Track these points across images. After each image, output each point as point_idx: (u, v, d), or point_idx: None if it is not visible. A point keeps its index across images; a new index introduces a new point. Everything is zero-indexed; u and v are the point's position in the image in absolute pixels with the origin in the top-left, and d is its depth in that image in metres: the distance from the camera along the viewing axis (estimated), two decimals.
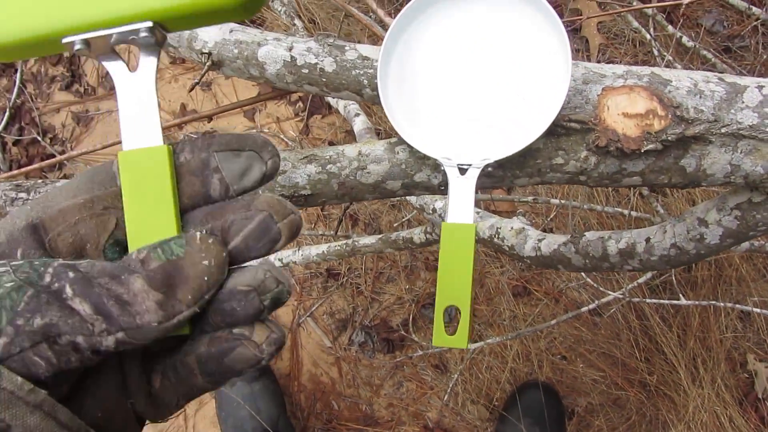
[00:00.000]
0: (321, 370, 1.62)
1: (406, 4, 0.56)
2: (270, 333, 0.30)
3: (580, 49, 1.58)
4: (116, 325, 0.27)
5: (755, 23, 1.48)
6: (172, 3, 0.30)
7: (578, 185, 0.85)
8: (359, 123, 1.12)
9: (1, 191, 0.59)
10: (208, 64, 0.66)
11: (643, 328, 1.45)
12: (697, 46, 1.39)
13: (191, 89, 0.70)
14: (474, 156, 0.53)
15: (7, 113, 1.82)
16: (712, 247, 0.64)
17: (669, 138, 0.51)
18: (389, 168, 0.56)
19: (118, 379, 0.31)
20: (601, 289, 1.28)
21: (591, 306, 1.31)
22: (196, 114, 0.75)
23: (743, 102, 0.51)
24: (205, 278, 0.28)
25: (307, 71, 0.61)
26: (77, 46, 0.31)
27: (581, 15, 1.55)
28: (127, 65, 0.32)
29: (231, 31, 0.64)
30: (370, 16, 1.01)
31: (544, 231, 0.93)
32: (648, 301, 1.33)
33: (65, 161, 1.75)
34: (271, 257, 1.21)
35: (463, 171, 0.52)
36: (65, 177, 1.76)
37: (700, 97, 0.52)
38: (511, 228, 0.88)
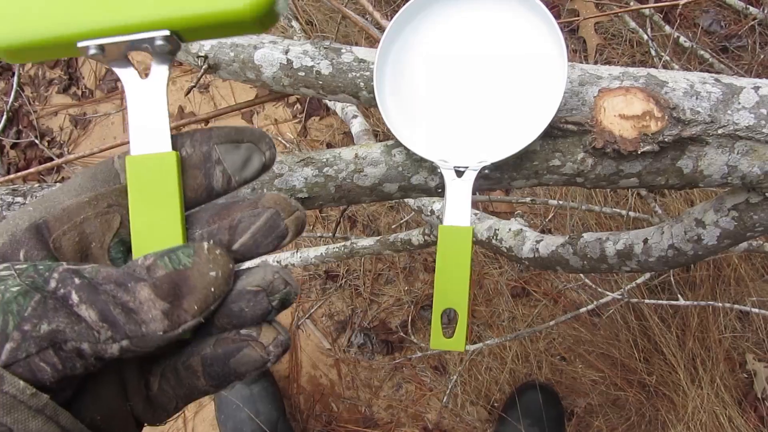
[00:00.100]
0: (320, 372, 1.62)
1: (402, 6, 0.56)
2: (277, 335, 0.30)
3: (578, 50, 1.58)
4: (121, 332, 0.27)
5: (752, 23, 1.48)
6: (190, 13, 0.30)
7: (575, 187, 0.85)
8: (357, 125, 1.12)
9: None
10: (204, 67, 0.65)
11: (642, 329, 1.45)
12: (695, 46, 1.39)
13: (188, 92, 0.69)
14: (471, 158, 0.52)
15: (4, 116, 1.81)
16: (709, 248, 0.64)
17: (666, 139, 0.51)
18: (386, 171, 0.56)
19: (118, 382, 0.31)
20: (599, 289, 1.28)
21: (590, 307, 1.31)
22: (194, 117, 0.75)
23: (740, 103, 0.51)
24: (212, 289, 0.28)
25: (303, 74, 0.61)
26: (92, 51, 0.31)
27: (578, 15, 1.55)
28: (139, 72, 0.32)
29: None
30: (367, 19, 1.01)
31: (542, 232, 0.93)
32: (647, 301, 1.33)
33: (63, 164, 1.75)
34: (269, 259, 1.21)
35: (459, 173, 0.52)
36: (63, 180, 1.76)
37: (697, 98, 0.52)
38: (509, 229, 0.88)
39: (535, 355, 1.53)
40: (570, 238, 0.78)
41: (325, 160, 0.56)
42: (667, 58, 1.32)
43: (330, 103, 1.39)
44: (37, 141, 1.80)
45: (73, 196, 0.31)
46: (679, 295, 1.24)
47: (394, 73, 0.56)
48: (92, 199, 0.31)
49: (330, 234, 1.38)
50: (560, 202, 1.39)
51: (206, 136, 0.32)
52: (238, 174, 0.32)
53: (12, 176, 0.91)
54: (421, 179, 0.56)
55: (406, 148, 0.54)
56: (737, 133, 0.51)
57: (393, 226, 1.61)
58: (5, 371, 0.26)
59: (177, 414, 0.33)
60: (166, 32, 0.30)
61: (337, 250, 1.19)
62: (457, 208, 0.52)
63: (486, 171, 0.54)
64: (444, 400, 1.53)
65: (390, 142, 0.57)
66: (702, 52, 1.41)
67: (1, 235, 0.30)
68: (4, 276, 0.27)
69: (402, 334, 1.58)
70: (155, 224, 0.31)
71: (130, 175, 0.31)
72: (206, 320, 0.29)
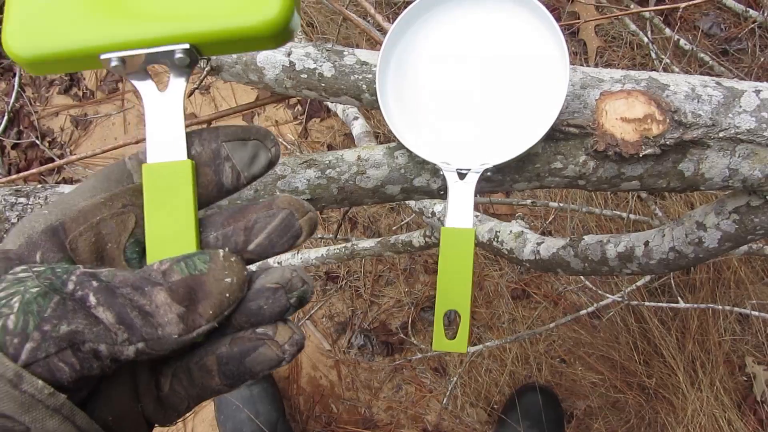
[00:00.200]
0: (320, 373, 1.62)
1: (404, 9, 0.56)
2: (292, 334, 0.31)
3: (578, 52, 1.58)
4: (137, 335, 0.28)
5: (752, 26, 1.49)
6: (210, 28, 0.31)
7: (576, 189, 0.85)
8: (358, 126, 1.12)
9: (1, 196, 0.59)
10: (206, 69, 0.66)
11: (642, 331, 1.45)
12: (695, 48, 1.39)
13: (190, 94, 0.70)
14: (473, 161, 0.53)
15: (5, 117, 1.82)
16: (710, 251, 0.64)
17: (667, 142, 0.51)
18: (388, 173, 0.56)
19: (130, 384, 0.32)
20: (600, 292, 1.28)
21: (590, 309, 1.31)
22: (196, 118, 0.75)
23: (741, 106, 0.52)
24: (227, 295, 0.29)
25: (305, 76, 0.61)
26: (113, 63, 0.32)
27: (579, 18, 1.55)
28: (157, 85, 0.33)
29: None
30: (368, 21, 1.02)
31: (543, 234, 0.93)
32: (647, 304, 1.33)
33: (64, 165, 1.75)
34: (270, 261, 1.21)
35: (462, 176, 0.53)
36: (64, 181, 1.76)
37: (698, 101, 0.52)
38: (510, 231, 0.88)
39: (535, 357, 1.53)
40: (571, 241, 0.78)
41: (327, 161, 0.57)
42: (668, 60, 1.32)
43: (331, 105, 1.39)
44: (38, 141, 1.80)
45: (87, 198, 0.31)
46: (679, 298, 1.25)
47: (396, 76, 0.57)
48: (107, 200, 0.31)
49: (331, 235, 1.38)
50: (561, 205, 1.39)
51: (214, 134, 0.32)
52: (246, 170, 0.32)
53: (13, 177, 0.91)
54: (423, 181, 0.56)
55: (408, 150, 0.55)
56: (738, 136, 0.51)
57: (393, 228, 1.62)
58: (24, 371, 0.26)
59: (187, 414, 0.33)
60: (186, 46, 0.31)
61: (337, 251, 1.20)
62: (459, 210, 0.52)
63: (488, 173, 0.54)
64: (444, 402, 1.53)
65: (392, 145, 0.57)
66: (702, 55, 1.41)
67: (18, 237, 0.31)
68: (23, 278, 0.28)
69: (402, 335, 1.58)
70: (170, 230, 0.31)
71: (146, 182, 0.32)
72: (220, 325, 0.29)
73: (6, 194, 0.60)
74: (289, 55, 0.62)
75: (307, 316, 1.64)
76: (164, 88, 0.33)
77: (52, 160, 1.76)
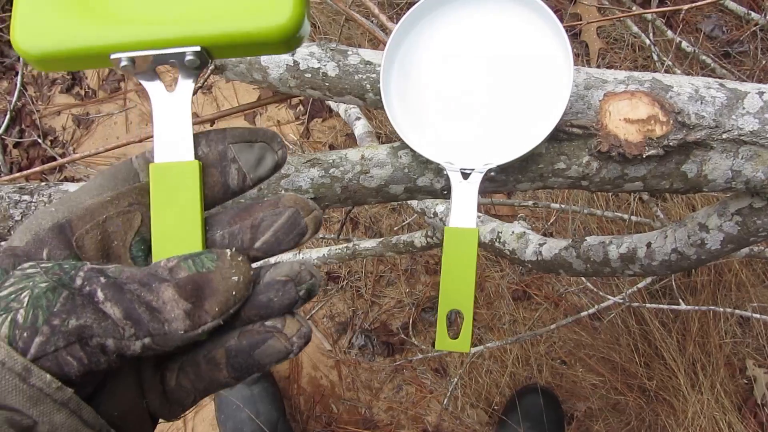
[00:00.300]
0: (321, 373, 1.62)
1: (408, 9, 0.56)
2: (300, 326, 0.31)
3: (580, 54, 1.58)
4: (144, 330, 0.28)
5: (754, 28, 1.49)
6: (222, 32, 0.31)
7: (579, 190, 0.85)
8: (360, 126, 1.12)
9: (5, 194, 0.59)
10: (211, 67, 0.66)
11: (643, 333, 1.45)
12: (697, 51, 1.39)
13: (194, 93, 0.70)
14: (477, 160, 0.53)
15: (8, 116, 1.82)
16: (713, 253, 0.64)
17: (670, 143, 0.51)
18: (392, 172, 0.56)
19: (135, 380, 0.32)
20: (601, 293, 1.29)
21: (591, 311, 1.31)
22: (198, 118, 0.75)
23: (744, 108, 0.52)
24: (233, 293, 0.29)
25: (309, 76, 0.61)
26: (123, 63, 0.32)
27: (581, 20, 1.55)
28: (165, 86, 0.33)
29: None
30: (372, 21, 1.02)
31: (544, 235, 0.93)
32: (648, 306, 1.33)
33: (66, 164, 1.75)
34: (271, 261, 1.21)
35: (465, 175, 0.53)
36: (66, 180, 1.76)
37: (702, 102, 0.52)
38: (512, 232, 0.88)
39: (535, 358, 1.53)
40: (573, 242, 0.78)
41: (331, 161, 0.57)
42: (669, 62, 1.32)
43: (333, 105, 1.39)
44: (39, 140, 1.80)
45: (94, 196, 0.32)
46: (680, 300, 1.25)
47: (400, 75, 0.57)
48: (113, 198, 0.32)
49: (332, 235, 1.38)
50: (562, 206, 1.39)
51: (221, 135, 0.33)
52: (252, 172, 0.33)
53: (15, 175, 0.91)
54: (426, 181, 0.56)
55: (412, 150, 0.55)
56: (741, 137, 0.51)
57: (395, 228, 1.62)
58: (32, 364, 0.26)
59: (191, 409, 0.34)
60: (197, 48, 0.31)
61: (339, 251, 1.20)
62: (462, 210, 0.52)
63: (492, 173, 0.54)
64: (444, 403, 1.53)
65: (396, 144, 0.57)
66: (704, 57, 1.41)
67: (25, 234, 0.31)
68: (32, 273, 0.28)
69: (403, 336, 1.58)
70: (176, 229, 0.32)
71: (153, 182, 0.32)
72: (225, 322, 0.30)
73: (10, 192, 0.60)
74: (293, 54, 0.62)
75: (308, 316, 1.64)
76: (172, 89, 0.33)
77: (54, 159, 1.76)
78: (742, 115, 0.52)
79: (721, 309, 1.29)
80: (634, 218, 1.28)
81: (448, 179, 0.53)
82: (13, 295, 0.27)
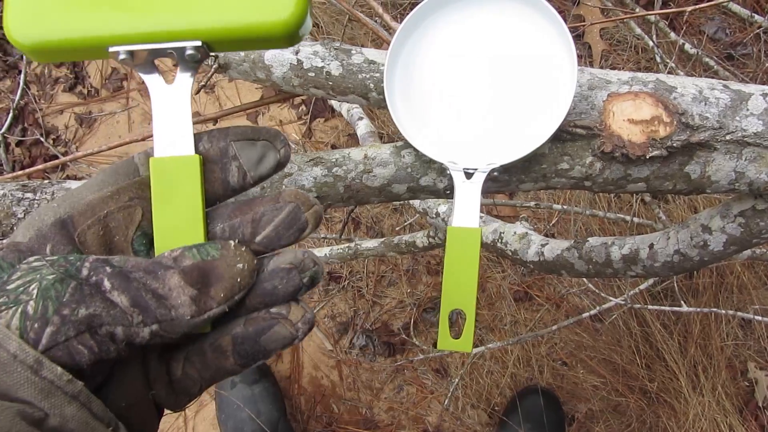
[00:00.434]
0: (321, 373, 1.62)
1: (412, 9, 0.56)
2: (305, 313, 0.31)
3: (583, 55, 1.58)
4: (152, 317, 0.28)
5: (757, 31, 1.49)
6: (222, 27, 0.31)
7: (581, 191, 0.85)
8: (362, 126, 1.12)
9: (8, 191, 0.59)
10: (214, 66, 0.66)
11: (645, 335, 1.45)
12: (700, 53, 1.39)
13: (197, 91, 0.70)
14: (480, 160, 0.53)
15: (10, 114, 1.82)
16: (715, 254, 0.64)
17: (674, 144, 0.51)
18: (395, 171, 0.56)
19: (142, 370, 0.32)
20: (602, 295, 1.28)
21: (592, 312, 1.31)
22: (200, 117, 0.75)
23: (748, 109, 0.52)
24: (238, 279, 0.30)
25: (313, 75, 0.61)
26: (122, 56, 0.32)
27: (584, 21, 1.55)
28: (164, 78, 0.33)
29: None
30: (376, 21, 1.02)
31: (546, 236, 0.93)
32: (649, 307, 1.33)
33: (68, 162, 1.76)
34: None
35: (469, 175, 0.53)
36: (68, 178, 1.77)
37: (705, 104, 0.52)
38: (515, 233, 0.88)
39: (536, 359, 1.53)
40: (575, 242, 0.78)
41: (334, 160, 0.57)
42: (673, 64, 1.32)
43: (335, 105, 1.39)
44: (42, 139, 1.80)
45: (95, 192, 0.32)
46: (682, 302, 1.24)
47: (404, 75, 0.57)
48: (114, 193, 0.32)
49: (334, 235, 1.38)
50: (564, 207, 1.39)
51: (223, 133, 0.33)
52: (253, 170, 0.33)
53: (17, 173, 0.91)
54: (429, 180, 0.56)
55: (415, 149, 0.55)
56: (745, 139, 0.51)
57: (397, 229, 1.62)
58: (44, 357, 0.27)
59: (196, 398, 0.34)
60: (198, 43, 0.31)
61: (341, 251, 1.20)
62: (465, 210, 0.52)
63: (495, 173, 0.54)
64: (445, 403, 1.53)
65: (399, 143, 0.57)
66: (707, 60, 1.41)
67: (28, 230, 0.31)
68: (38, 266, 0.29)
69: (404, 336, 1.58)
70: (177, 223, 0.32)
71: (153, 176, 0.32)
72: (230, 310, 0.30)
73: (13, 189, 0.60)
74: (297, 53, 0.62)
75: None
76: (171, 82, 0.33)
77: (56, 158, 1.76)
78: (746, 117, 0.52)
79: (723, 311, 1.28)
80: (636, 220, 1.28)
81: (451, 179, 0.53)
82: (21, 288, 0.28)
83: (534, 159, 0.54)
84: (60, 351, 0.27)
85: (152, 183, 0.32)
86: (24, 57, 1.81)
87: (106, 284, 0.28)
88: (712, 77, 1.39)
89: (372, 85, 0.60)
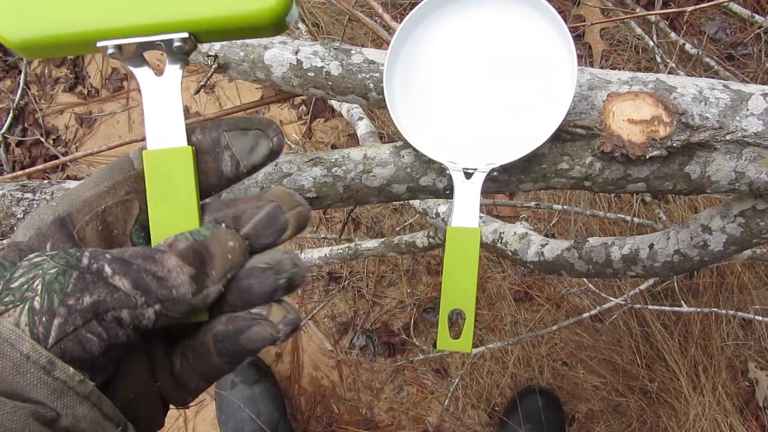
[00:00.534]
0: (322, 374, 1.62)
1: (411, 9, 0.56)
2: (286, 314, 0.31)
3: (583, 55, 1.58)
4: (154, 297, 0.29)
5: (758, 31, 1.49)
6: (209, 17, 0.31)
7: (581, 191, 0.85)
8: (362, 126, 1.12)
9: (7, 191, 0.59)
10: (214, 66, 0.66)
11: (645, 335, 1.45)
12: (700, 53, 1.39)
13: (197, 91, 0.70)
14: (479, 160, 0.53)
15: (10, 114, 1.82)
16: (715, 254, 0.64)
17: (674, 144, 0.51)
18: (395, 171, 0.56)
19: (147, 364, 0.33)
20: (602, 295, 1.28)
21: (592, 312, 1.31)
22: (200, 117, 0.75)
23: (748, 109, 0.52)
24: (229, 256, 0.30)
25: (313, 74, 0.61)
26: (110, 51, 0.32)
27: (584, 21, 1.55)
28: (153, 71, 0.33)
29: None
30: (375, 20, 1.02)
31: (546, 236, 0.93)
32: (650, 307, 1.33)
33: (68, 162, 1.76)
34: None
35: (468, 175, 0.53)
36: (68, 178, 1.77)
37: (705, 104, 0.52)
38: (515, 233, 0.88)
39: (536, 359, 1.53)
40: (575, 243, 0.78)
41: (333, 160, 0.57)
42: (673, 65, 1.32)
43: (335, 105, 1.39)
44: (42, 139, 1.80)
45: (93, 188, 0.32)
46: (682, 302, 1.24)
47: (403, 75, 0.57)
48: (110, 188, 0.32)
49: (333, 235, 1.38)
50: (564, 207, 1.39)
51: (215, 124, 0.33)
52: (246, 159, 0.33)
53: (17, 173, 0.91)
54: (429, 180, 0.56)
55: (415, 149, 0.55)
56: (745, 139, 0.51)
57: (397, 229, 1.62)
58: (56, 358, 0.27)
59: (199, 394, 0.34)
60: (185, 34, 0.31)
61: (341, 251, 1.20)
62: (465, 210, 0.52)
63: (494, 173, 0.54)
64: (445, 403, 1.53)
65: (399, 143, 0.57)
66: (707, 60, 1.41)
67: (28, 230, 0.32)
68: (39, 261, 0.29)
69: (404, 336, 1.58)
70: (173, 214, 0.32)
71: (147, 169, 0.32)
72: (225, 289, 0.31)
73: (12, 189, 0.60)
74: (296, 53, 0.62)
75: (309, 316, 1.64)
76: (161, 74, 0.33)
77: (56, 158, 1.76)
78: (746, 117, 0.51)
79: (723, 311, 1.28)
80: (636, 220, 1.28)
81: (450, 179, 0.53)
82: (26, 285, 0.28)
83: (534, 159, 0.54)
84: (71, 342, 0.27)
85: (146, 175, 0.32)
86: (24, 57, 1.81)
87: (107, 270, 0.29)
88: (713, 77, 1.39)
89: (372, 85, 0.60)
